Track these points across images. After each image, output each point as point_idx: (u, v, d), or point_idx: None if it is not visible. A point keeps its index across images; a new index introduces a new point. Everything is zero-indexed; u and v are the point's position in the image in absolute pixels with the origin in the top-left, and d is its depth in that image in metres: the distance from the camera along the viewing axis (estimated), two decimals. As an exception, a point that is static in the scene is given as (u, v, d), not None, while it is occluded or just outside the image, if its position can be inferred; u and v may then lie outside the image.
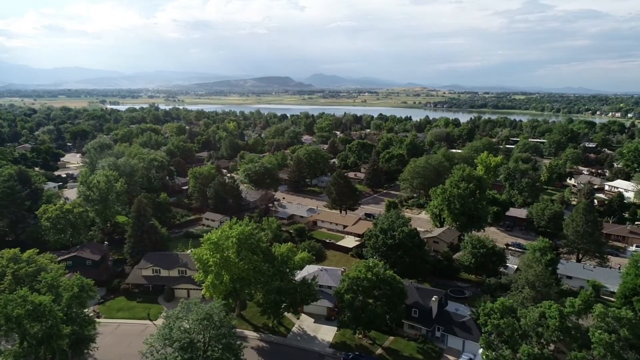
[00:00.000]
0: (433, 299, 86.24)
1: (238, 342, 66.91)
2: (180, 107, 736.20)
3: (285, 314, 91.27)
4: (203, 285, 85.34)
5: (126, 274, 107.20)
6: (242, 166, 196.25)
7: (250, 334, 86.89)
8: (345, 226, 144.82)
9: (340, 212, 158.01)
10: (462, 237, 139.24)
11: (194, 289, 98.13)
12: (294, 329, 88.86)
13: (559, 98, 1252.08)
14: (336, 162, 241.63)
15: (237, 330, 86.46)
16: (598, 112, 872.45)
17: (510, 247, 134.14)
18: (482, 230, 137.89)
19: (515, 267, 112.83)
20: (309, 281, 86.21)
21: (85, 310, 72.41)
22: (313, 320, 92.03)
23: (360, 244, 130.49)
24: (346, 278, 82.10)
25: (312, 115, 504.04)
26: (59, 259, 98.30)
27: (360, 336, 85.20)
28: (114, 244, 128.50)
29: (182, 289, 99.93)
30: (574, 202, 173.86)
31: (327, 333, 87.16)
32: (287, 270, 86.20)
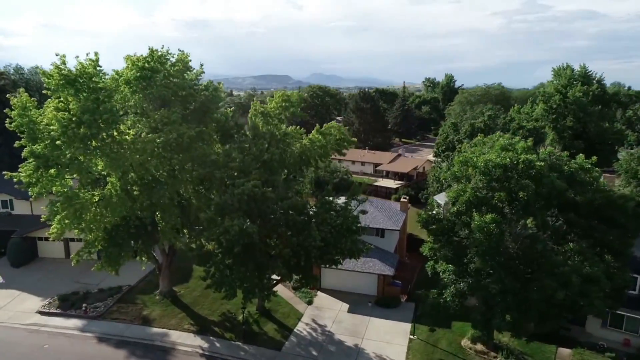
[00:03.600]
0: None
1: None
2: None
3: (281, 287, 37.84)
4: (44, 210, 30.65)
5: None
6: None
7: (187, 340, 32.74)
8: (377, 165, 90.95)
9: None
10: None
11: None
12: (302, 327, 34.72)
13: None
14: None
15: (156, 330, 32.63)
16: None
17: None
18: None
19: None
20: (347, 203, 32.14)
21: None
22: (347, 306, 37.91)
23: (406, 185, 77.23)
24: (464, 165, 27.47)
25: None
26: None
27: (479, 347, 31.35)
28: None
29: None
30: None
31: (388, 338, 33.13)
32: (287, 157, 31.94)
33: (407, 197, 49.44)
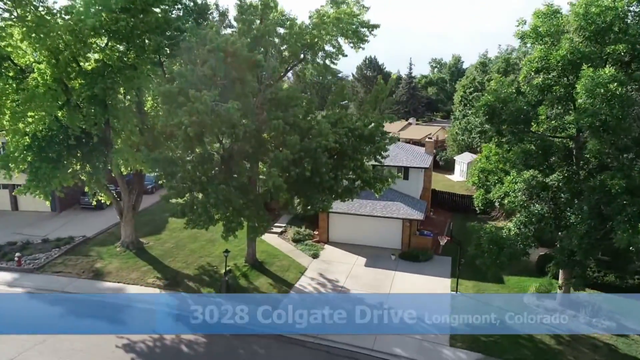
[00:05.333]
0: None
1: None
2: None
3: (279, 239, 29.55)
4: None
5: None
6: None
7: (149, 296, 23.98)
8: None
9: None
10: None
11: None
12: (306, 281, 25.99)
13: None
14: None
15: (109, 285, 23.83)
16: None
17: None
18: None
19: None
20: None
21: None
22: (364, 260, 29.18)
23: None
24: (549, 18, 18.30)
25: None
26: None
27: (550, 305, 22.75)
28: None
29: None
30: None
31: (427, 295, 24.43)
32: (284, 37, 23.16)
33: (432, 138, 40.71)
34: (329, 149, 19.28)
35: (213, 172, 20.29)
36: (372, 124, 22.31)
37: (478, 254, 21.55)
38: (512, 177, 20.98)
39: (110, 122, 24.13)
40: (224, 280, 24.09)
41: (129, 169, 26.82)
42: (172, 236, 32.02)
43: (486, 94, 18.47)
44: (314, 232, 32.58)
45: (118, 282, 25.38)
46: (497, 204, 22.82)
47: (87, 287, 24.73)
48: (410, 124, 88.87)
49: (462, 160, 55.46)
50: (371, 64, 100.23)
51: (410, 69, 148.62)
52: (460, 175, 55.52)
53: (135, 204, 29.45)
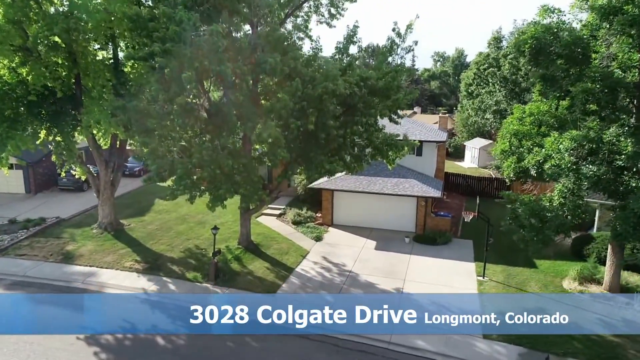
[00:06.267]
0: None
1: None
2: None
3: (277, 221, 26.12)
4: None
5: None
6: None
7: (125, 281, 20.38)
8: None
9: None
10: None
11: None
12: (308, 265, 22.44)
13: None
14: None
15: (80, 269, 20.10)
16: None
17: None
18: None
19: None
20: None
21: None
22: (374, 243, 25.62)
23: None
24: None
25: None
26: None
27: (596, 289, 19.26)
28: None
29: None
30: None
31: (444, 280, 20.86)
32: None
33: (447, 112, 37.24)
34: (338, 95, 15.77)
35: (197, 129, 16.78)
36: (389, 74, 18.79)
37: (514, 228, 18.18)
38: (553, 137, 17.57)
39: (81, 78, 20.62)
40: (213, 263, 20.55)
41: (105, 136, 23.34)
42: (157, 218, 28.51)
43: (531, 26, 14.95)
44: (317, 214, 29.07)
45: (90, 266, 21.82)
46: (533, 172, 19.30)
47: (53, 271, 21.21)
48: (415, 112, 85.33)
49: (473, 146, 52.11)
50: (374, 53, 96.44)
51: (413, 61, 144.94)
52: (471, 161, 52.14)
53: (114, 180, 25.90)
